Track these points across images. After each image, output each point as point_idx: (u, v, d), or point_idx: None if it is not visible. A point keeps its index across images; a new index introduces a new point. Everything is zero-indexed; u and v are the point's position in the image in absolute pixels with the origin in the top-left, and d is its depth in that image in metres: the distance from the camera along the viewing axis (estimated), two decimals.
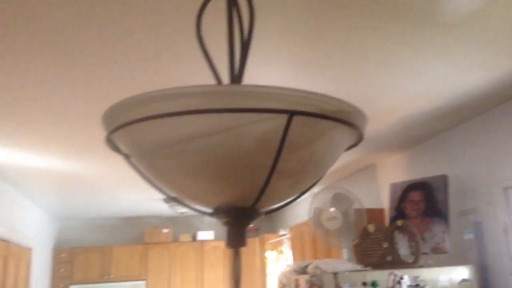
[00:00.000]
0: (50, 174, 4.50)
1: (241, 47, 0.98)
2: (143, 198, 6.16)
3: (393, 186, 3.86)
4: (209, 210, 0.93)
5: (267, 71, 2.43)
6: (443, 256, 3.34)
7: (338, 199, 3.75)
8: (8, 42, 2.04)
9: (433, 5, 1.94)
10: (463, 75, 2.67)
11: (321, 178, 0.97)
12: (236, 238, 0.92)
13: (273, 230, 7.88)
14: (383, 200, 4.55)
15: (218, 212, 0.92)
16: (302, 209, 6.00)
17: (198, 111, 0.74)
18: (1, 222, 4.25)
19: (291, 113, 0.76)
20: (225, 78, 1.01)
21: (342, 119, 0.83)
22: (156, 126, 0.78)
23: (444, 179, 3.51)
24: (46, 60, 2.22)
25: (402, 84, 2.74)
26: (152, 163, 0.87)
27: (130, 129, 0.82)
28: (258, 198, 0.86)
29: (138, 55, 2.21)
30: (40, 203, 6.07)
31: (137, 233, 7.99)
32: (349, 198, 3.74)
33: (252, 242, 7.20)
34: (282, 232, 6.59)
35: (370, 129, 3.55)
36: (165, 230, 7.70)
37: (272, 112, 0.76)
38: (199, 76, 2.47)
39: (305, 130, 0.82)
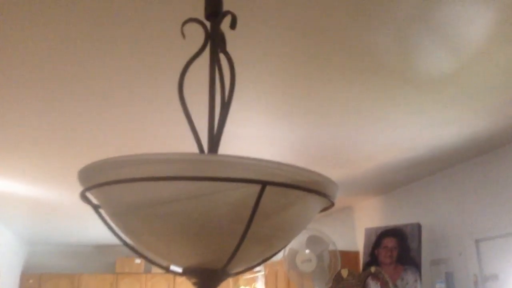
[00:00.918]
0: (22, 199, 4.41)
1: (221, 107, 1.01)
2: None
3: (368, 231, 3.88)
4: (179, 270, 0.93)
5: (249, 119, 2.47)
6: None
7: (313, 241, 3.75)
8: None
9: (406, 65, 2.02)
10: (436, 130, 2.75)
11: (290, 241, 0.99)
12: None
13: None
14: (359, 243, 4.56)
15: (188, 272, 0.92)
16: None
17: (173, 178, 0.76)
18: None
19: (264, 183, 0.78)
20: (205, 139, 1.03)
21: (313, 189, 0.86)
22: (130, 188, 0.79)
23: (417, 227, 3.56)
24: (21, 89, 2.21)
25: (378, 135, 2.81)
26: (124, 222, 0.87)
27: (105, 188, 0.82)
28: (228, 262, 0.87)
29: (122, 108, 2.24)
30: (10, 227, 5.92)
31: (108, 262, 7.81)
32: (324, 241, 3.74)
33: None
34: (256, 268, 6.52)
35: (346, 173, 3.60)
36: (137, 261, 7.55)
37: (246, 181, 0.78)
38: (182, 138, 2.54)
39: (277, 198, 0.84)
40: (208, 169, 0.77)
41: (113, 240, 7.27)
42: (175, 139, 2.66)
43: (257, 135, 2.75)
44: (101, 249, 7.89)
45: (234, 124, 2.54)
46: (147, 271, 7.58)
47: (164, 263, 0.93)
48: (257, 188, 0.77)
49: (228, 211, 0.81)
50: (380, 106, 2.40)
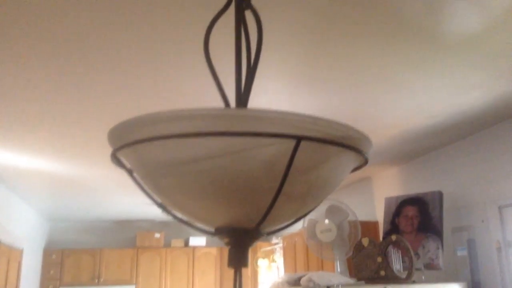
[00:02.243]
0: (43, 176, 4.47)
1: (247, 68, 0.99)
2: (136, 202, 6.13)
3: (388, 200, 3.86)
4: (211, 229, 0.93)
5: (270, 85, 2.44)
6: (436, 273, 3.35)
7: (333, 211, 3.75)
8: (6, 43, 2.03)
9: (433, 27, 1.95)
10: (461, 95, 2.69)
11: (324, 199, 0.98)
12: (238, 259, 0.91)
13: (266, 238, 7.87)
14: (378, 213, 4.55)
15: (220, 232, 0.91)
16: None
17: (206, 133, 0.74)
18: None
19: (299, 138, 0.76)
20: (232, 97, 1.01)
21: (349, 144, 0.84)
22: (163, 146, 0.78)
23: (439, 195, 3.52)
24: (42, 63, 2.21)
25: (400, 101, 2.76)
26: (156, 182, 0.86)
27: (136, 148, 0.81)
28: (262, 220, 0.86)
29: (143, 68, 2.21)
30: (32, 204, 6.03)
31: (129, 237, 7.95)
32: (343, 211, 3.74)
33: None
34: (274, 240, 6.58)
35: None
36: (157, 235, 7.66)
37: (280, 137, 0.76)
38: (206, 96, 2.50)
39: (311, 154, 0.82)
40: (240, 124, 0.75)
41: (133, 215, 7.40)
42: (200, 100, 2.63)
43: (278, 103, 2.72)
44: (121, 224, 8.02)
45: (254, 92, 2.51)
46: (167, 245, 7.70)
47: (203, 225, 0.92)
48: (291, 143, 0.76)
49: (261, 167, 0.80)
50: (402, 71, 2.35)
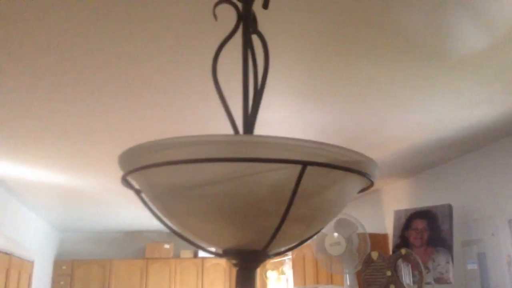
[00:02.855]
0: (53, 188, 4.52)
1: (254, 92, 1.01)
2: (145, 213, 6.14)
3: (397, 213, 3.85)
4: (219, 251, 0.94)
5: (274, 101, 2.46)
6: (447, 287, 3.32)
7: (342, 225, 3.74)
8: (15, 58, 2.07)
9: (439, 43, 1.96)
10: (468, 110, 2.69)
11: (330, 222, 0.99)
12: (245, 280, 0.92)
13: None
14: (387, 226, 4.53)
15: (228, 254, 0.93)
16: None
17: (214, 159, 0.76)
18: (4, 234, 4.26)
19: (305, 164, 0.77)
20: (239, 120, 1.03)
21: (354, 169, 0.85)
22: (173, 170, 0.80)
23: (448, 208, 3.51)
24: (52, 78, 2.25)
25: (407, 116, 2.76)
26: (164, 204, 0.88)
27: (146, 172, 0.83)
28: (269, 243, 0.87)
29: (153, 93, 2.25)
30: (43, 215, 6.08)
31: (138, 248, 7.97)
32: (353, 224, 3.73)
33: None
34: None
35: (375, 155, 3.56)
36: (167, 246, 7.68)
37: (287, 162, 0.77)
38: (217, 120, 2.54)
39: (317, 179, 0.83)
40: (248, 150, 0.77)
41: (143, 226, 7.42)
42: (209, 124, 2.66)
43: (286, 119, 2.74)
44: (131, 235, 8.04)
45: (262, 110, 2.53)
46: (176, 256, 7.70)
47: (211, 247, 0.94)
48: (297, 168, 0.77)
49: (268, 192, 0.81)
50: (410, 85, 2.35)
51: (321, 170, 0.81)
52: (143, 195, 0.96)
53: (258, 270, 7.45)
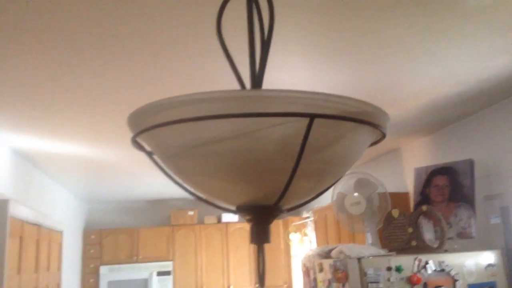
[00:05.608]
0: (78, 160, 4.61)
1: (261, 48, 0.99)
2: (168, 182, 6.26)
3: (418, 171, 3.82)
4: (233, 208, 0.95)
5: (287, 61, 2.42)
6: (469, 241, 3.31)
7: (362, 184, 3.74)
8: (37, 33, 2.08)
9: None
10: (487, 61, 2.61)
11: (343, 176, 0.98)
12: (259, 235, 0.93)
13: (297, 212, 7.92)
14: (408, 184, 4.51)
15: (241, 210, 0.93)
16: (326, 192, 6.00)
17: (222, 115, 0.75)
18: (33, 207, 4.39)
19: (312, 116, 0.76)
20: (246, 76, 1.02)
21: (363, 119, 0.84)
22: (181, 129, 0.80)
23: (470, 163, 3.46)
24: (74, 53, 2.26)
25: (424, 70, 2.69)
26: (175, 164, 0.89)
27: (155, 132, 0.84)
28: (280, 198, 0.87)
29: (159, 54, 2.23)
30: (69, 188, 6.24)
31: (163, 216, 8.14)
32: (372, 183, 3.72)
33: (276, 224, 7.26)
34: (305, 214, 6.62)
35: (394, 113, 3.51)
36: (191, 213, 7.82)
37: (294, 115, 0.76)
38: (224, 77, 2.52)
39: (326, 132, 0.82)
40: (254, 105, 0.76)
41: (167, 194, 7.56)
42: (218, 82, 2.64)
43: (299, 79, 2.70)
44: (156, 203, 8.21)
45: (274, 69, 2.50)
46: (200, 222, 7.85)
47: (225, 204, 0.95)
48: (305, 121, 0.76)
49: (276, 147, 0.81)
50: (426, 38, 2.29)
51: (330, 122, 0.80)
52: (155, 157, 0.97)
53: (281, 232, 7.48)
